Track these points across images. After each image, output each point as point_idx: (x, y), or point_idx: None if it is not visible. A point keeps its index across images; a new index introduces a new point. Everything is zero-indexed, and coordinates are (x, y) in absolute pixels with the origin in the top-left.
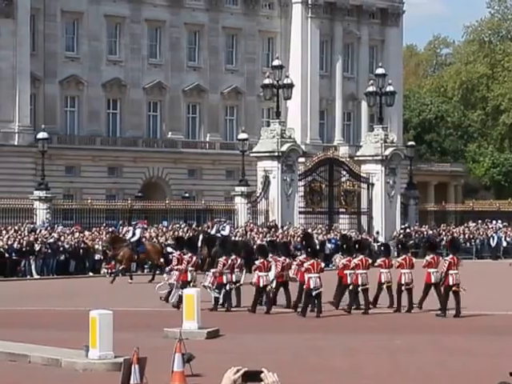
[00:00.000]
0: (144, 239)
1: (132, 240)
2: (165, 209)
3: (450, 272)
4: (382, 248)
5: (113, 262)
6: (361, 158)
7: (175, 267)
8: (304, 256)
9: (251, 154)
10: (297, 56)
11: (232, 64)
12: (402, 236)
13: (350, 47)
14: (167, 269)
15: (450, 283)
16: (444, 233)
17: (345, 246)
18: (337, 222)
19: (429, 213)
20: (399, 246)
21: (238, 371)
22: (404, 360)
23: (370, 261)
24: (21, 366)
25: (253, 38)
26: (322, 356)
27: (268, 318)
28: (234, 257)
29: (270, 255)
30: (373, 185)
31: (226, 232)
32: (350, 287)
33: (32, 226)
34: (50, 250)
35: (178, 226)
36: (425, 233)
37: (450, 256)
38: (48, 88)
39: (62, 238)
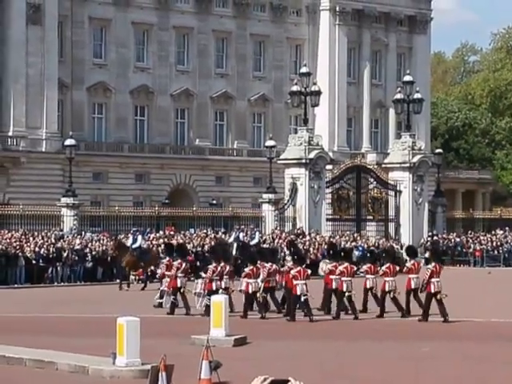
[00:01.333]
0: (146, 246)
1: (133, 247)
2: (192, 216)
3: (432, 280)
4: (369, 254)
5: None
6: (388, 166)
7: (165, 273)
8: (291, 263)
9: (279, 161)
10: (324, 63)
11: (260, 71)
12: (429, 244)
13: (378, 54)
14: (157, 276)
15: (432, 291)
16: (471, 240)
17: (331, 251)
18: (364, 229)
19: (456, 220)
20: (429, 252)
21: (265, 380)
22: (429, 367)
23: (355, 268)
24: (48, 373)
25: (280, 45)
26: (348, 364)
27: (294, 325)
28: (223, 264)
29: (259, 262)
30: (400, 192)
31: (255, 240)
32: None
33: (59, 232)
34: (77, 257)
35: (204, 233)
36: (452, 240)
37: (433, 264)
38: (76, 94)
39: (90, 245)
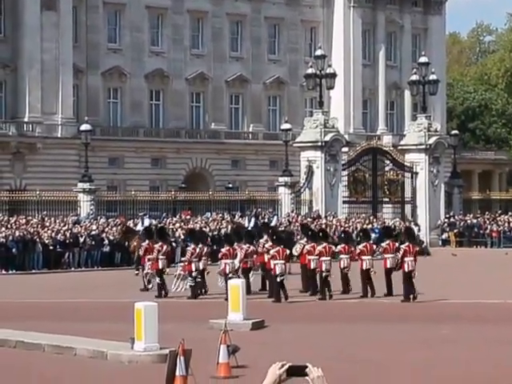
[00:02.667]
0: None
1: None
2: (208, 200)
3: (405, 259)
4: (343, 235)
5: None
6: (404, 147)
7: (147, 257)
8: (270, 244)
9: (294, 144)
10: (339, 45)
11: (274, 54)
12: (446, 225)
13: (393, 36)
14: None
15: (406, 269)
16: (488, 221)
17: (310, 233)
18: (380, 211)
19: (473, 201)
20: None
21: (282, 366)
22: (449, 350)
23: (334, 248)
24: (67, 358)
25: (295, 28)
26: (367, 347)
27: (311, 308)
28: (201, 245)
29: (236, 243)
30: (416, 174)
31: (273, 223)
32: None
33: (76, 217)
34: (94, 242)
35: (220, 216)
36: (469, 221)
37: (406, 244)
38: (91, 79)
39: (107, 230)
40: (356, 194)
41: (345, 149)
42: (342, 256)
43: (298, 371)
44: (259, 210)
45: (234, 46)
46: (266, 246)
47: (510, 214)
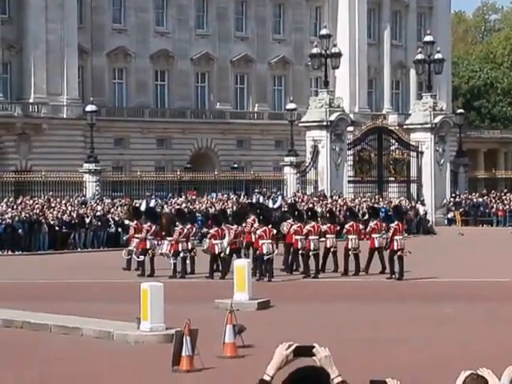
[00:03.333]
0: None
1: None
2: (214, 180)
3: (395, 238)
4: (328, 215)
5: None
6: (410, 127)
7: (134, 236)
8: (257, 224)
9: (300, 124)
10: (344, 25)
11: (279, 34)
12: (451, 204)
13: (398, 15)
14: (125, 238)
15: (395, 248)
16: (494, 200)
17: (296, 212)
18: (386, 190)
19: (479, 180)
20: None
21: (289, 347)
22: (453, 328)
23: (323, 228)
24: (73, 338)
25: (300, 8)
26: (373, 326)
27: (316, 287)
28: (189, 226)
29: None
30: (422, 153)
31: (277, 203)
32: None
33: (82, 198)
34: (99, 223)
35: (226, 196)
36: (474, 200)
37: (396, 223)
38: (96, 60)
39: (112, 210)
40: (361, 173)
41: (350, 128)
42: (350, 236)
43: (305, 351)
44: (264, 189)
45: (238, 26)
46: (255, 225)
47: None
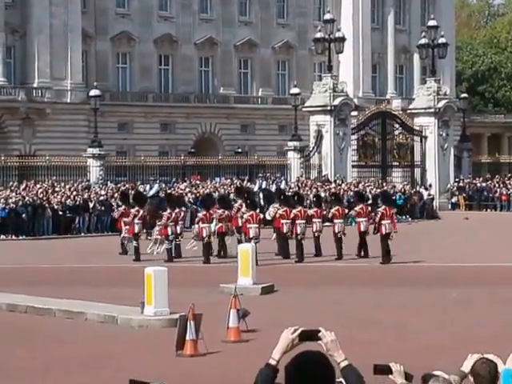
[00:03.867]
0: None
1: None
2: (217, 164)
3: (383, 222)
4: (315, 199)
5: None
6: (413, 111)
7: (124, 221)
8: (244, 208)
9: (303, 109)
10: (348, 9)
11: (283, 18)
12: (455, 188)
13: None
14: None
15: (383, 232)
16: (498, 185)
17: (282, 197)
18: (390, 175)
19: (482, 165)
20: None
21: (295, 331)
22: (459, 313)
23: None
24: (77, 323)
25: None
26: (376, 310)
27: (319, 272)
28: (178, 210)
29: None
30: (426, 138)
31: (281, 187)
32: (294, 236)
33: (86, 183)
34: (103, 208)
35: (229, 181)
36: (478, 185)
37: (383, 207)
38: (99, 45)
39: (116, 195)
40: (365, 158)
41: (354, 113)
42: (336, 220)
43: (310, 336)
44: (267, 174)
45: (242, 11)
46: (242, 210)
47: None
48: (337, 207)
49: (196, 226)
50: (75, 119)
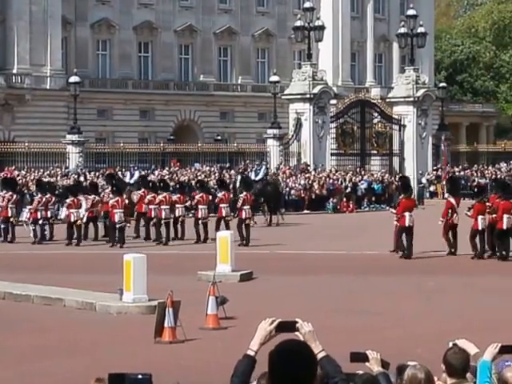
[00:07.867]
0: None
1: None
2: (197, 152)
3: (244, 207)
4: (220, 183)
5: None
6: (392, 100)
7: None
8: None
9: (283, 97)
10: None
11: (263, 6)
12: (433, 177)
13: None
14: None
15: (243, 217)
16: (475, 174)
17: (150, 184)
18: (368, 163)
19: (460, 154)
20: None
21: (272, 322)
22: (437, 301)
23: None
24: (56, 309)
25: None
26: (356, 298)
27: (298, 260)
28: (48, 195)
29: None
30: (404, 126)
31: (260, 175)
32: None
33: (66, 170)
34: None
35: (208, 168)
36: (456, 174)
37: (244, 193)
38: (79, 31)
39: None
40: (344, 146)
41: (333, 101)
42: (222, 205)
43: (288, 327)
44: (247, 162)
45: None
46: (111, 195)
47: (496, 166)
48: (223, 192)
49: (64, 210)
50: (54, 105)
